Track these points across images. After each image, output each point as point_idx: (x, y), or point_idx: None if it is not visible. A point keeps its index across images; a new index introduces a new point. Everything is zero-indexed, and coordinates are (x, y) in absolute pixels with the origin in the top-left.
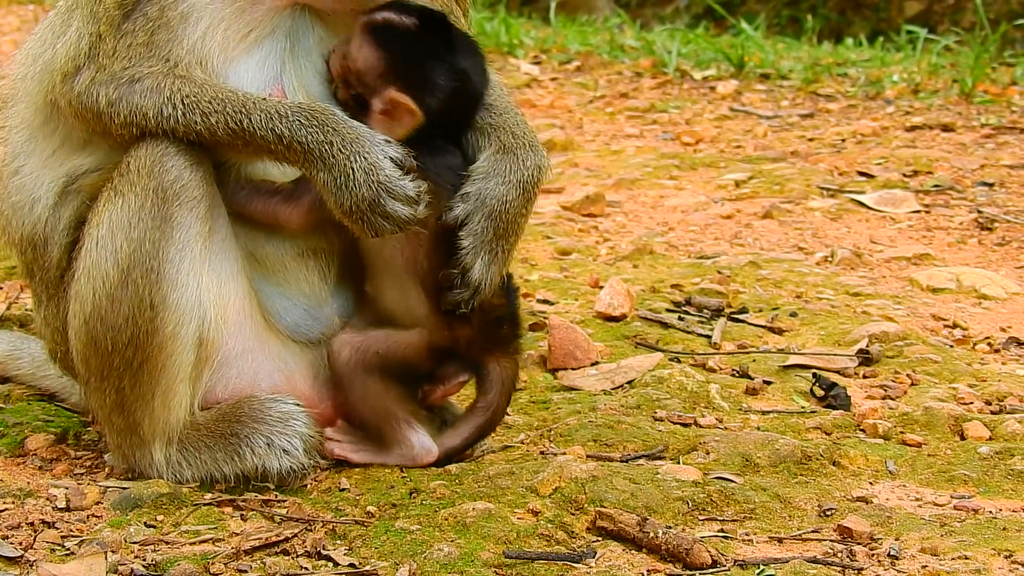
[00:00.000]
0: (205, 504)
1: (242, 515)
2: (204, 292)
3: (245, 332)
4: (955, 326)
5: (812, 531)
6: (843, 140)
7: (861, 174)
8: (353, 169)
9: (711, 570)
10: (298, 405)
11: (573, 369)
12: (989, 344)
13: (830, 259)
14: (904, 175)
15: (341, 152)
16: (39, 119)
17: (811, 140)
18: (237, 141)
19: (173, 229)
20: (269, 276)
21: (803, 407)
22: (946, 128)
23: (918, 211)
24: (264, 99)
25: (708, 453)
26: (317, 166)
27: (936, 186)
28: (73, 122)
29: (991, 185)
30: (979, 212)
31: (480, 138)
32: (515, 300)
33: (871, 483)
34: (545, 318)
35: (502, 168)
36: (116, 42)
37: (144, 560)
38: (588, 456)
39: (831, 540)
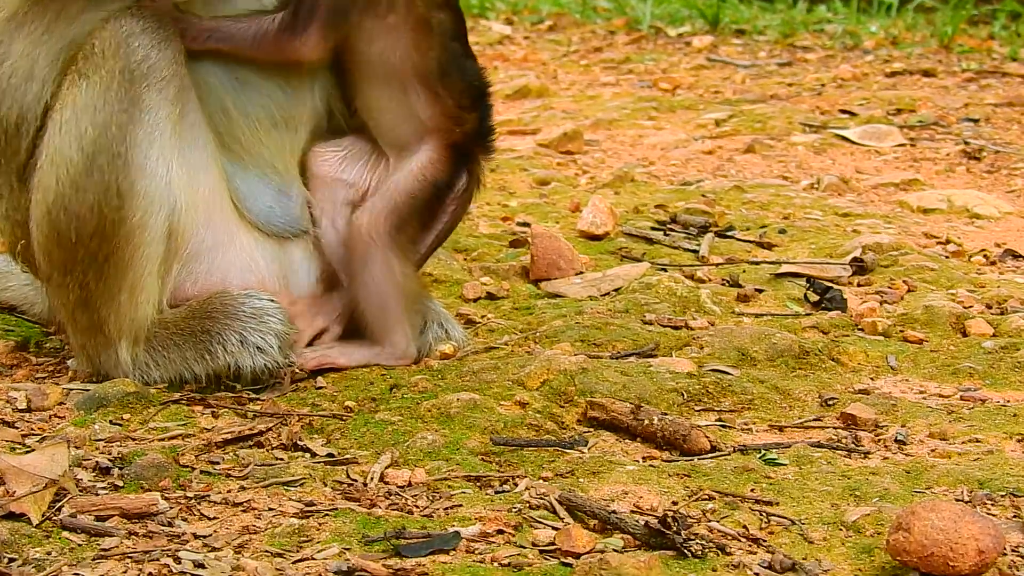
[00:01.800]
0: (174, 403)
1: (213, 412)
2: (174, 179)
3: (216, 224)
4: (948, 242)
5: (814, 419)
6: (823, 85)
7: (844, 112)
8: None
9: (710, 456)
10: (272, 301)
11: (557, 279)
12: (985, 257)
13: (816, 185)
14: (888, 113)
15: None
16: None
17: (790, 85)
18: None
19: (141, 112)
20: (238, 155)
21: (797, 312)
22: (927, 73)
23: (903, 144)
24: None
25: (702, 348)
26: None
27: (920, 122)
28: None
29: (976, 121)
30: (966, 144)
31: None
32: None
33: (872, 378)
34: (527, 237)
35: None
36: None
37: (110, 454)
38: (576, 353)
39: (834, 427)
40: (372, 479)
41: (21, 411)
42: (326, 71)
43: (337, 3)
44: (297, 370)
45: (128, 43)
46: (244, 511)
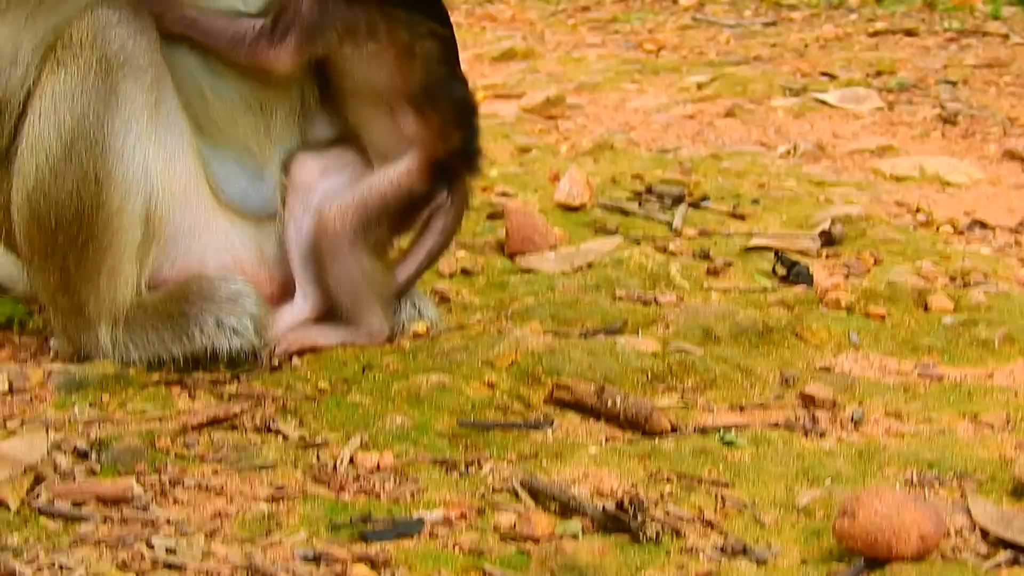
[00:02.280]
0: (152, 384)
1: (190, 393)
2: (151, 165)
3: (192, 208)
4: (918, 211)
5: (774, 398)
6: (806, 45)
7: (824, 75)
8: None
9: (671, 435)
10: (248, 284)
11: (531, 253)
12: (953, 226)
13: (792, 152)
14: (868, 75)
15: None
16: None
17: (774, 46)
18: None
19: (118, 100)
20: (214, 140)
21: (764, 286)
22: (909, 33)
23: (881, 108)
24: None
25: (668, 326)
26: None
27: (900, 84)
28: None
29: (954, 83)
30: (942, 108)
31: None
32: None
33: (834, 354)
34: (503, 204)
35: None
36: None
37: (88, 437)
38: (546, 332)
39: (793, 407)
40: (342, 462)
41: (2, 393)
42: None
43: (315, 20)
44: (273, 351)
45: (105, 33)
46: (217, 495)
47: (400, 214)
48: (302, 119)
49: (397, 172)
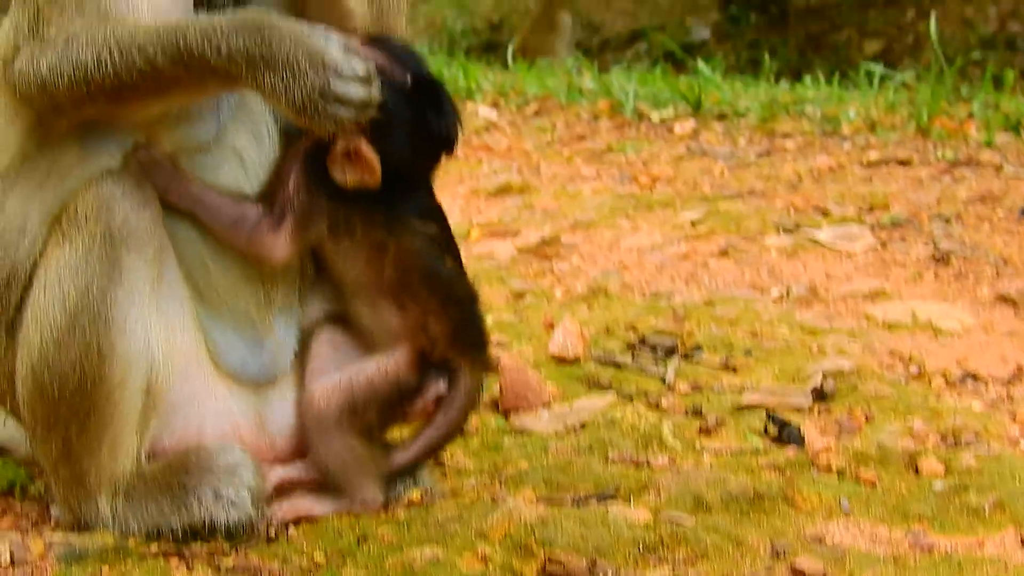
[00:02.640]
0: (151, 556)
1: (188, 565)
2: (153, 337)
3: (192, 377)
4: (911, 360)
5: (765, 570)
6: (800, 178)
7: (818, 211)
8: (297, 58)
9: None
10: (245, 454)
11: (525, 411)
12: (945, 379)
13: (785, 296)
14: (861, 210)
15: (281, 46)
16: (13, 140)
17: (768, 178)
18: (179, 69)
19: (121, 274)
20: (215, 308)
21: (756, 447)
22: (903, 163)
23: (874, 246)
24: (198, 18)
25: (659, 493)
26: (260, 68)
27: (893, 221)
28: (27, 112)
29: (947, 219)
30: (935, 247)
31: None
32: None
33: (825, 521)
34: (498, 360)
35: None
36: (50, 10)
37: None
38: (539, 499)
39: None
40: None
41: (5, 566)
42: None
43: (307, 208)
44: (270, 520)
45: (109, 207)
46: None
47: (389, 403)
48: (303, 289)
49: (385, 361)
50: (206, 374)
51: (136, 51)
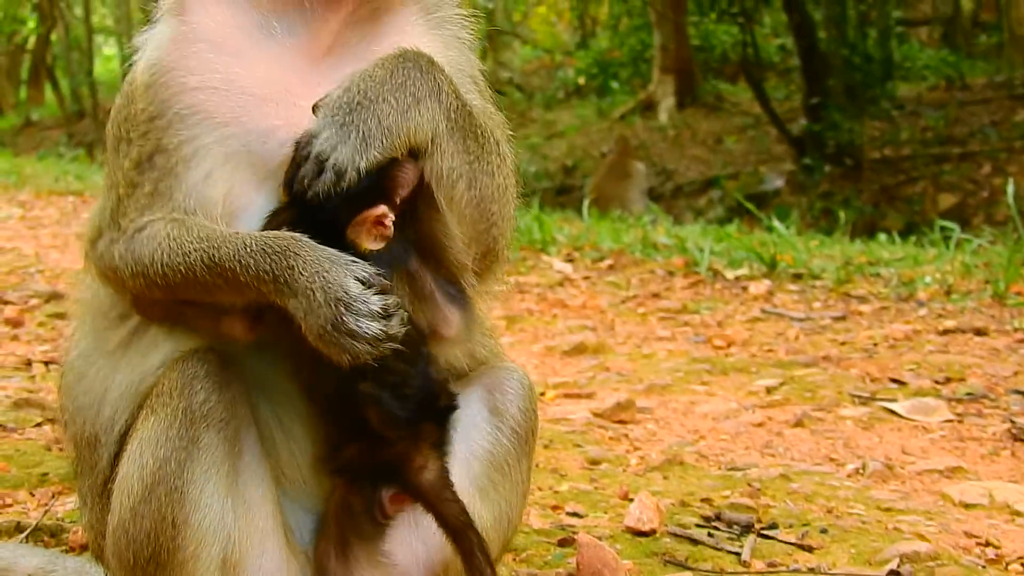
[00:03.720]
0: None
1: None
2: (227, 514)
3: (269, 553)
4: (988, 544)
5: None
6: (875, 344)
7: (893, 381)
8: (313, 290)
9: None
10: None
11: None
12: (1022, 564)
13: (861, 471)
14: (936, 382)
15: (303, 275)
16: (97, 312)
17: (843, 344)
18: (218, 280)
19: (199, 450)
20: (288, 490)
21: None
22: (979, 332)
23: (951, 420)
24: (237, 233)
25: None
26: (285, 292)
27: (969, 394)
28: (114, 296)
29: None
30: (1012, 422)
31: None
32: (429, 369)
33: None
34: (574, 533)
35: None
36: (128, 201)
37: None
38: None
39: None
40: None
41: None
42: None
43: None
44: None
45: (192, 385)
46: None
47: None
48: None
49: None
50: (281, 550)
51: (181, 256)
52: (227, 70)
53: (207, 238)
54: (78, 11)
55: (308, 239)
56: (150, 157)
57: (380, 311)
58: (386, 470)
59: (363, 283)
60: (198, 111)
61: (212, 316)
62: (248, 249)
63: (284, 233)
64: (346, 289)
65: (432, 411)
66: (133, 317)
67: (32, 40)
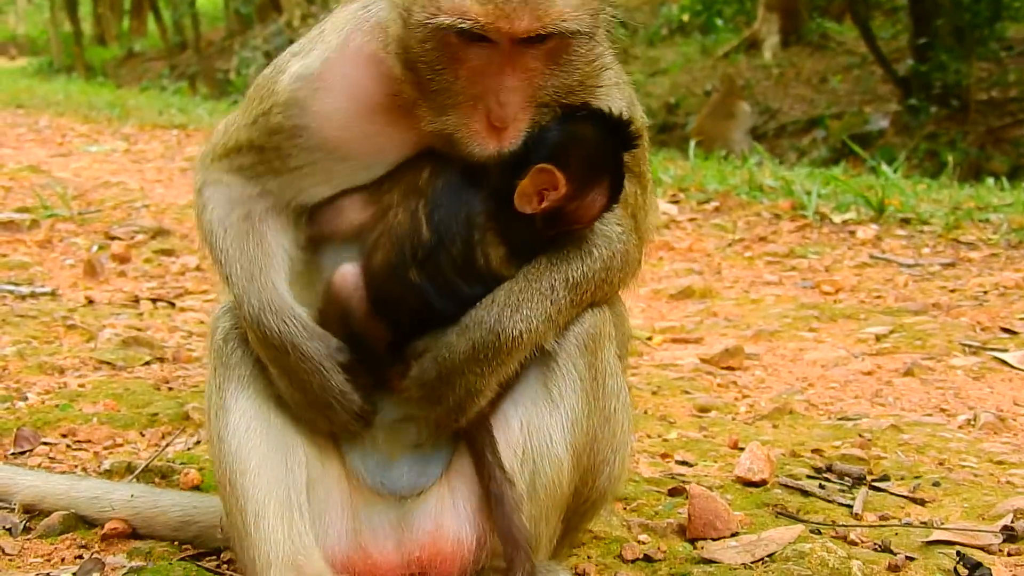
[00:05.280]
0: None
1: None
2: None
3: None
4: None
5: None
6: (985, 292)
7: (1004, 330)
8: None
9: None
10: None
11: (713, 540)
12: None
13: (973, 423)
14: None
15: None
16: None
17: (952, 291)
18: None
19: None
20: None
21: None
22: None
23: None
24: (273, 299)
25: None
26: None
27: None
28: None
29: None
30: None
31: None
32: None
33: None
34: (685, 483)
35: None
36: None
37: None
38: None
39: None
40: None
41: None
42: None
43: None
44: None
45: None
46: None
47: None
48: None
49: None
50: (345, 483)
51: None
52: (362, 127)
53: (241, 299)
54: None
55: (304, 314)
56: (261, 149)
57: (357, 411)
58: None
59: (343, 368)
60: (326, 148)
61: None
62: (263, 322)
63: (284, 307)
64: (330, 381)
65: None
66: None
67: None
